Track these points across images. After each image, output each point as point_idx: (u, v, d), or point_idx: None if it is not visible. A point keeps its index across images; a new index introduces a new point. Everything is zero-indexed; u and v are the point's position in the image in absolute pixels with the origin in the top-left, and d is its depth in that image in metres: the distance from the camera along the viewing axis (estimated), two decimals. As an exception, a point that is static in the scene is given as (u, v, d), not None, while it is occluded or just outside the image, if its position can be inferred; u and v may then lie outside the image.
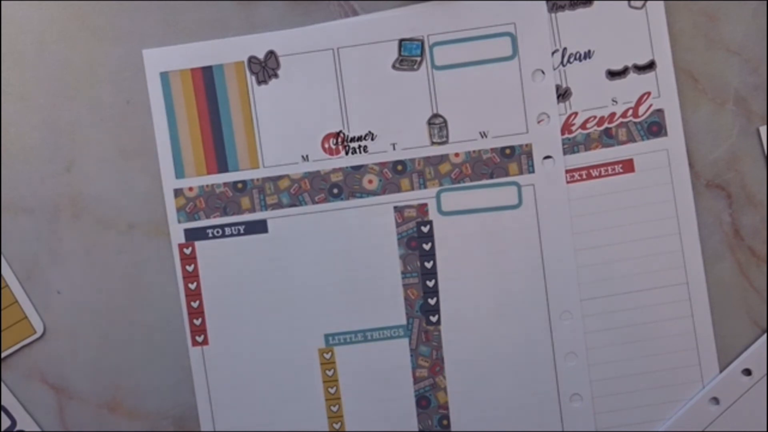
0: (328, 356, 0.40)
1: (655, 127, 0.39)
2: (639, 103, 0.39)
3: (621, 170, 0.40)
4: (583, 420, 0.40)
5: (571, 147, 0.40)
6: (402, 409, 0.40)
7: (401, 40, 0.39)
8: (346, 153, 0.40)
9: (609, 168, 0.40)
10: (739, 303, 0.40)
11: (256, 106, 0.40)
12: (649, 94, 0.39)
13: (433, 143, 0.40)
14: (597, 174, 0.40)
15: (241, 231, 0.40)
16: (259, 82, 0.40)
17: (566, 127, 0.40)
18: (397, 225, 0.40)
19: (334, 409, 0.41)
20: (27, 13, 0.40)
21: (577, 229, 0.40)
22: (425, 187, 0.40)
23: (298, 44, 0.39)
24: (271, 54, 0.40)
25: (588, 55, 0.39)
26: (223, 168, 0.40)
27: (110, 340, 0.41)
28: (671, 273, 0.40)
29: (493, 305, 0.40)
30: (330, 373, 0.40)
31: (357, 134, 0.40)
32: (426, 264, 0.40)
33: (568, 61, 0.39)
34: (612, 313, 0.40)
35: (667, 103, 0.39)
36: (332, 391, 0.40)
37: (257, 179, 0.40)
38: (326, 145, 0.40)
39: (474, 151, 0.40)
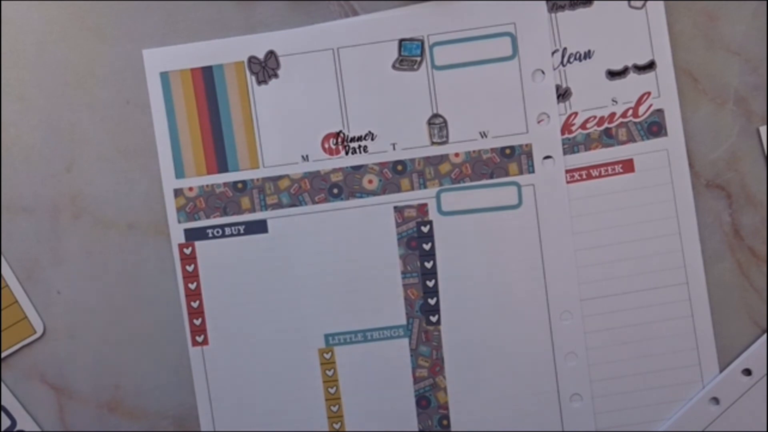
0: (328, 356, 0.40)
1: (655, 127, 0.39)
2: (639, 103, 0.39)
3: (621, 170, 0.40)
4: (583, 420, 0.40)
5: (571, 147, 0.40)
6: (402, 409, 0.40)
7: (401, 40, 0.39)
8: (346, 153, 0.40)
9: (609, 168, 0.40)
10: (739, 303, 0.40)
11: (256, 106, 0.40)
12: (649, 94, 0.39)
13: (433, 143, 0.40)
14: (597, 174, 0.40)
15: (241, 231, 0.40)
16: (259, 82, 0.40)
17: (566, 127, 0.40)
18: (397, 225, 0.40)
19: (334, 409, 0.41)
20: (27, 13, 0.40)
21: (577, 229, 0.40)
22: (425, 187, 0.40)
23: (298, 44, 0.39)
24: (271, 54, 0.40)
25: (588, 55, 0.39)
26: (223, 168, 0.40)
27: (110, 340, 0.41)
28: (671, 273, 0.40)
29: (493, 305, 0.40)
30: (330, 373, 0.40)
31: (357, 134, 0.40)
32: (426, 264, 0.40)
33: (568, 61, 0.39)
34: (612, 313, 0.40)
35: (667, 103, 0.39)
36: (332, 391, 0.40)
37: (257, 179, 0.40)
38: (326, 145, 0.40)
39: (474, 151, 0.40)
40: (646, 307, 0.40)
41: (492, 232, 0.40)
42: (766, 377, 0.39)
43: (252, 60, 0.40)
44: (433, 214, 0.40)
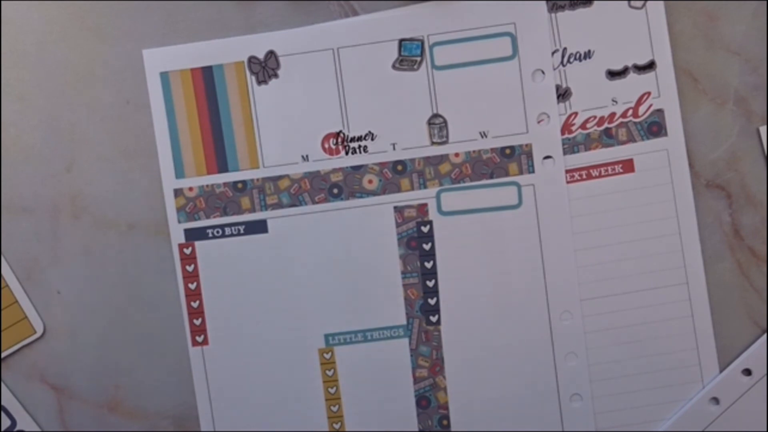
0: (328, 356, 0.40)
1: (655, 127, 0.39)
2: (639, 103, 0.39)
3: (621, 170, 0.40)
4: (583, 420, 0.40)
5: (571, 147, 0.40)
6: (402, 409, 0.40)
7: (401, 40, 0.39)
8: (346, 153, 0.40)
9: (609, 168, 0.40)
10: (739, 303, 0.40)
11: (256, 106, 0.40)
12: (649, 94, 0.39)
13: (433, 143, 0.40)
14: (597, 174, 0.40)
15: (241, 231, 0.40)
16: (259, 82, 0.40)
17: (566, 127, 0.40)
18: (397, 225, 0.40)
19: (334, 409, 0.41)
20: (27, 13, 0.40)
21: (577, 229, 0.40)
22: (425, 187, 0.40)
23: (298, 44, 0.39)
24: (271, 54, 0.40)
25: (588, 55, 0.39)
26: (223, 168, 0.40)
27: (110, 340, 0.41)
28: (671, 273, 0.40)
29: (493, 305, 0.40)
30: (330, 373, 0.40)
31: (357, 134, 0.40)
32: (426, 264, 0.40)
33: (568, 61, 0.39)
34: (612, 313, 0.40)
35: (667, 103, 0.39)
36: (332, 391, 0.40)
37: (257, 179, 0.40)
38: (326, 145, 0.40)
39: (474, 151, 0.40)
40: (646, 307, 0.40)
41: (492, 232, 0.40)
42: (766, 377, 0.39)
43: (252, 60, 0.40)
44: (433, 214, 0.40)
